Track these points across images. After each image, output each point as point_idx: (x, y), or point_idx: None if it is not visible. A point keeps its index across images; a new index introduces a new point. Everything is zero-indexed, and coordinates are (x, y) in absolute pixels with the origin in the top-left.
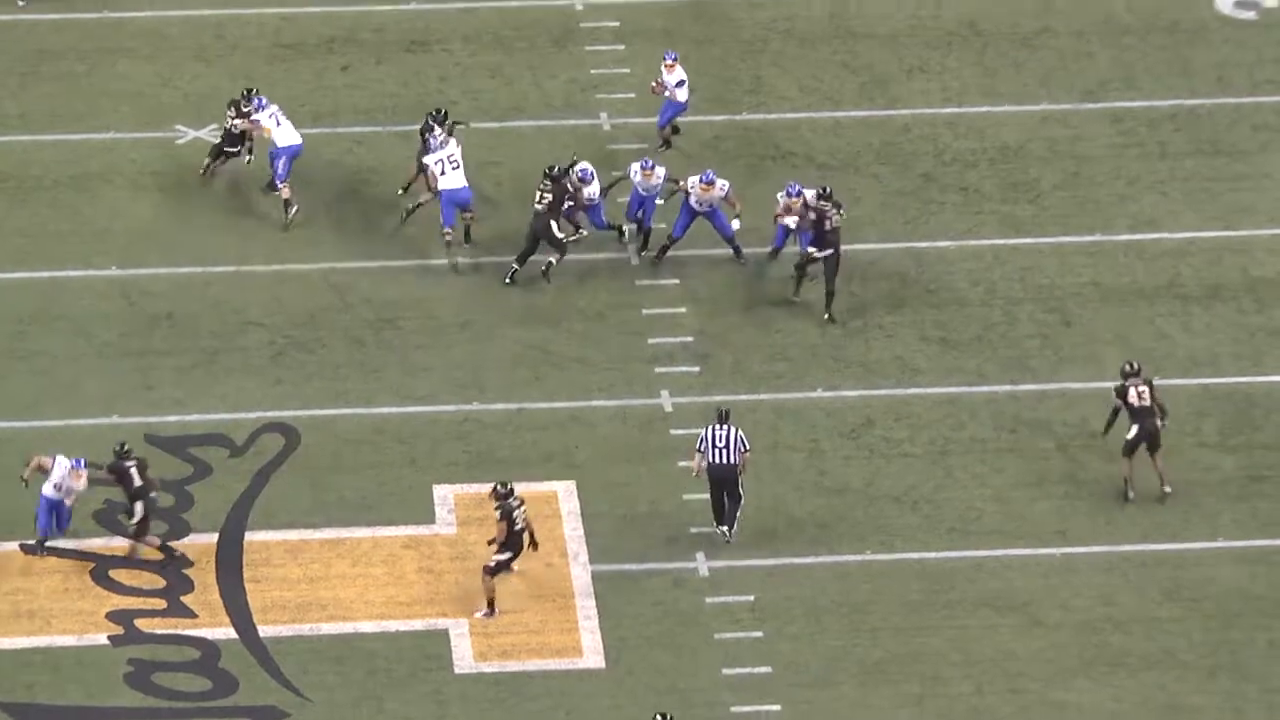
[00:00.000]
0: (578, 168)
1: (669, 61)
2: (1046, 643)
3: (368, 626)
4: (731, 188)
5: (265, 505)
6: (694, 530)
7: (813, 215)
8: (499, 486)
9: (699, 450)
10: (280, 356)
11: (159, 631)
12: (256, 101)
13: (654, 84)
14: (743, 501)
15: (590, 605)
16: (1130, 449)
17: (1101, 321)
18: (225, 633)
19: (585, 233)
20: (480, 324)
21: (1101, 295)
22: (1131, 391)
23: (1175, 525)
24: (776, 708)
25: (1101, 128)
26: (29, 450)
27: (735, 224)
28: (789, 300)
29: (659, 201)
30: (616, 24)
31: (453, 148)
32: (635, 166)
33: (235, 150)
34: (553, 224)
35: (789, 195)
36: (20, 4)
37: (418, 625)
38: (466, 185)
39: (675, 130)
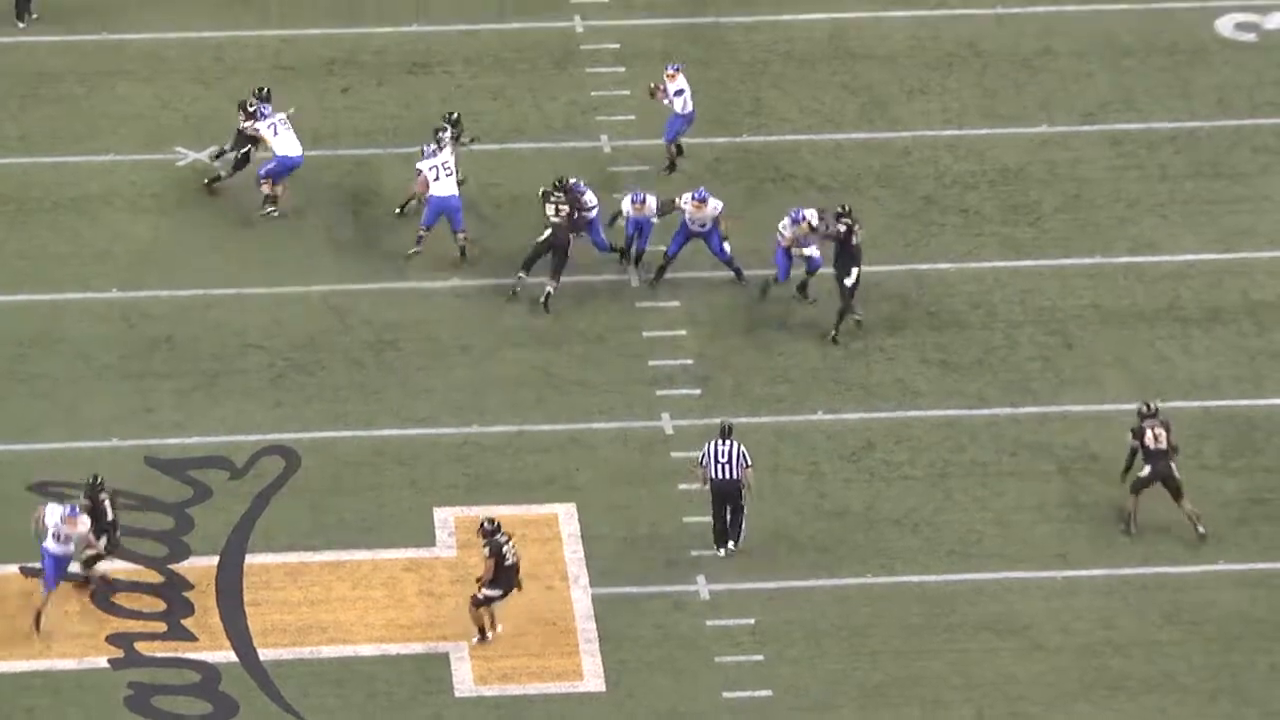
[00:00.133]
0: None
1: (671, 71)
2: (1047, 666)
3: (368, 649)
4: (724, 208)
5: (265, 528)
6: (695, 553)
7: (832, 235)
8: (486, 523)
9: (701, 465)
10: (280, 379)
11: (159, 655)
12: (260, 108)
13: (653, 85)
14: (745, 511)
15: (591, 628)
16: (1139, 487)
17: (1102, 344)
18: (225, 656)
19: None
20: (480, 346)
21: (1102, 318)
22: (1148, 433)
23: (1176, 549)
24: None
25: (1101, 150)
26: (28, 472)
27: (725, 246)
28: (785, 325)
29: (654, 221)
30: (617, 46)
31: (447, 155)
32: (626, 201)
33: (247, 151)
34: (571, 236)
35: (795, 223)
36: (20, 26)
37: (418, 648)
38: (457, 194)
39: (680, 151)
